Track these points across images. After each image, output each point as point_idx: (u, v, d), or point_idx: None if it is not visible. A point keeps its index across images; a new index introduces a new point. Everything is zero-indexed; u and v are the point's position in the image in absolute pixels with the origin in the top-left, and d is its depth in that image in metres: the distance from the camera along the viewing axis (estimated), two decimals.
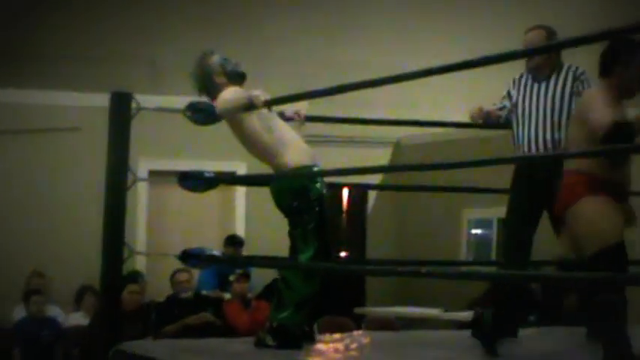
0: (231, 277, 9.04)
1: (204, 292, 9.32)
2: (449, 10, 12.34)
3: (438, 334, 7.00)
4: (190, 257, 5.12)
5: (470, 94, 11.84)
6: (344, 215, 11.81)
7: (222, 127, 5.20)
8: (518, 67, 5.29)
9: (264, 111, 5.01)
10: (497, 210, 11.48)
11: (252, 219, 11.09)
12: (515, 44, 4.52)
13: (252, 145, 5.07)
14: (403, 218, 12.22)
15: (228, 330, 8.46)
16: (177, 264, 5.84)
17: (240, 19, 9.68)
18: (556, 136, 5.07)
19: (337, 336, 5.72)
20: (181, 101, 5.15)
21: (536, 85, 5.18)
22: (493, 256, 11.74)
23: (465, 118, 6.53)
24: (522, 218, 5.12)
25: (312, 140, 5.62)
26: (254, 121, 5.03)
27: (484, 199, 10.75)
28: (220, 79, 5.13)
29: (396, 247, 12.03)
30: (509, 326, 5.21)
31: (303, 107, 5.35)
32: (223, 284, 9.41)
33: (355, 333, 6.24)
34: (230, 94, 5.05)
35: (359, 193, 11.90)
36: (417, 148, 11.84)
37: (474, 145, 10.57)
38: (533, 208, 5.11)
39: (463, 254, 11.82)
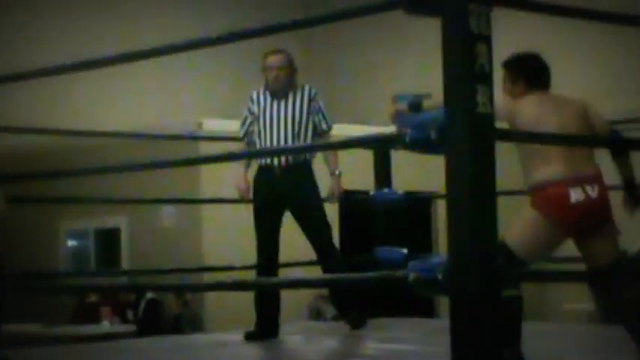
0: None
1: None
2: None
3: (53, 349, 6.87)
4: None
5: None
6: None
7: None
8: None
9: None
10: (94, 221, 11.46)
11: None
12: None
13: None
14: None
15: None
16: None
17: None
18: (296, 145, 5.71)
19: None
20: None
21: (276, 102, 5.75)
22: (92, 267, 11.70)
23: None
24: (265, 228, 5.73)
25: None
26: None
27: (81, 210, 10.63)
28: None
29: None
30: None
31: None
32: None
33: None
34: None
35: None
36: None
37: (60, 155, 10.24)
38: (275, 217, 5.76)
39: (61, 265, 11.68)
